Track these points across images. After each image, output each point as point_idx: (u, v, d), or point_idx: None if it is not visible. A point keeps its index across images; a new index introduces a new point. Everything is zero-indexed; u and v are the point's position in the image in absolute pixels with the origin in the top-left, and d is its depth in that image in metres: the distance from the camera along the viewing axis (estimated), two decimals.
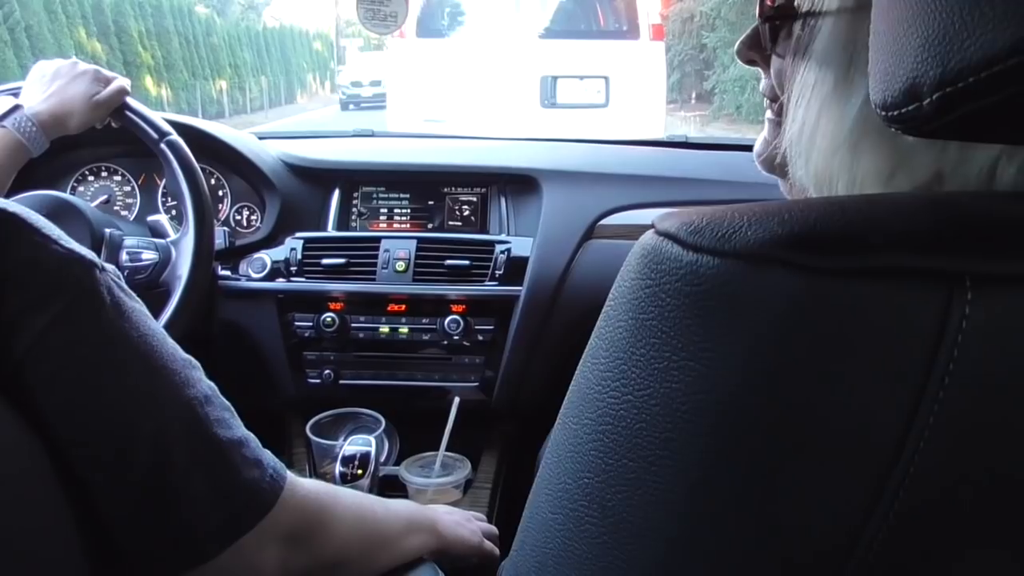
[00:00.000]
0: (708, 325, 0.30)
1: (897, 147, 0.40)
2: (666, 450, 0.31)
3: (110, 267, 0.61)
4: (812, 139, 0.45)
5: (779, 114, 0.50)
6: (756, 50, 0.51)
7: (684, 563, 0.31)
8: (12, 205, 0.57)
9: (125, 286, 0.62)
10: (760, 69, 0.52)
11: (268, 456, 0.68)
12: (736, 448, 0.30)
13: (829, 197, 0.32)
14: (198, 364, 0.66)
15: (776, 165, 0.51)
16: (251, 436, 0.67)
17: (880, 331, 0.28)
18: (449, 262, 1.32)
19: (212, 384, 0.66)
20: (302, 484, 0.71)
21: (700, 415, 0.30)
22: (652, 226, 0.33)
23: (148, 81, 14.59)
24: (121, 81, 1.14)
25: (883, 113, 0.32)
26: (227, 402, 0.66)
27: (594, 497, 0.33)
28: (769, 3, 0.48)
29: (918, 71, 0.29)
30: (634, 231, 1.28)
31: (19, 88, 1.11)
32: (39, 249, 0.56)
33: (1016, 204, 0.32)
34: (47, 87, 1.08)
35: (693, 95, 15.12)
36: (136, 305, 0.62)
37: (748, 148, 1.56)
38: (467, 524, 0.92)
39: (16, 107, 1.04)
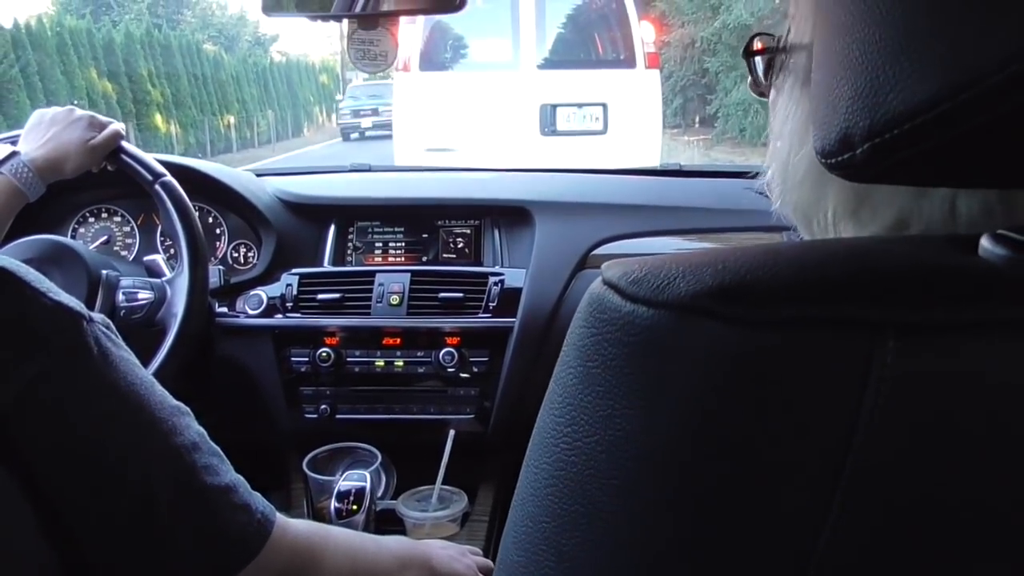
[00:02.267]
0: (645, 374, 0.31)
1: (854, 185, 0.41)
2: (614, 497, 0.31)
3: (99, 317, 0.62)
4: (786, 172, 0.46)
5: None
6: (756, 82, 0.52)
7: None
8: (2, 259, 0.58)
9: (114, 336, 0.63)
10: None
11: (257, 499, 0.68)
12: (677, 495, 0.30)
13: (768, 244, 0.33)
14: (188, 410, 0.67)
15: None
16: (241, 480, 0.67)
17: (803, 381, 0.29)
18: (443, 295, 1.33)
19: (201, 430, 0.67)
20: (293, 525, 0.71)
21: (642, 462, 0.31)
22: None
23: (158, 119, 14.77)
24: (116, 126, 1.17)
25: (822, 160, 0.32)
26: (217, 448, 0.67)
27: (551, 542, 0.33)
28: (758, 46, 0.49)
29: (850, 121, 0.30)
30: None
31: (17, 136, 1.13)
32: (27, 302, 0.57)
33: (946, 251, 0.32)
34: (43, 134, 1.11)
35: (696, 119, 15.20)
36: (124, 355, 0.63)
37: (741, 175, 1.58)
38: (462, 559, 0.92)
39: (13, 154, 1.07)
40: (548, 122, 5.96)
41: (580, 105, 5.95)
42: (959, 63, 0.26)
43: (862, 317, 0.28)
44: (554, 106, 5.95)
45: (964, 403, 0.29)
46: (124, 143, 1.18)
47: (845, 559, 0.30)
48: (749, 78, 0.53)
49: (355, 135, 17.63)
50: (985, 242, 0.31)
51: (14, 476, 0.56)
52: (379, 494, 1.22)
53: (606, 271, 0.33)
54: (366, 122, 17.25)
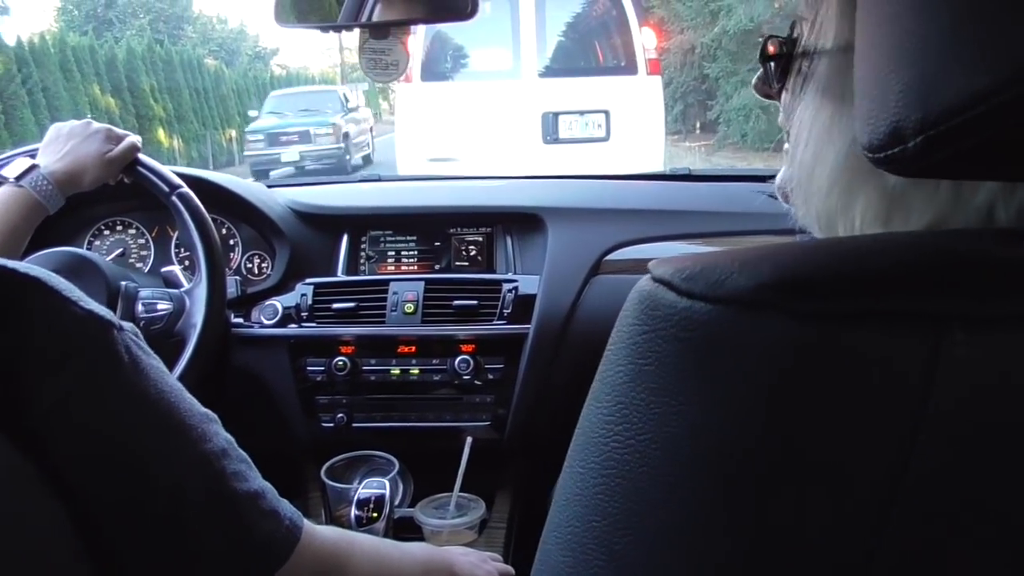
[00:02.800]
0: (703, 371, 0.30)
1: (887, 190, 0.40)
2: (668, 494, 0.31)
3: (128, 325, 0.62)
4: (810, 179, 0.45)
5: None
6: (768, 86, 0.51)
7: None
8: (33, 269, 0.59)
9: (143, 344, 0.63)
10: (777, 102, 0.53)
11: (285, 506, 0.68)
12: (735, 492, 0.30)
13: (824, 239, 0.33)
14: (216, 417, 0.67)
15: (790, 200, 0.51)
16: (268, 487, 0.68)
17: (869, 374, 0.28)
18: (457, 302, 1.34)
19: (229, 437, 0.67)
20: (319, 532, 0.71)
21: (699, 460, 0.30)
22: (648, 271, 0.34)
23: (160, 133, 14.81)
24: (133, 138, 1.18)
25: (869, 155, 0.32)
26: (244, 454, 0.68)
27: (601, 541, 0.33)
28: (772, 49, 0.48)
29: (901, 114, 0.29)
30: (640, 266, 1.28)
31: (36, 150, 1.14)
32: (59, 311, 0.58)
33: (1005, 243, 0.32)
34: (62, 147, 1.11)
35: (697, 125, 15.20)
36: (154, 362, 0.63)
37: (751, 179, 1.58)
38: (483, 565, 0.92)
39: (33, 167, 1.08)
40: (550, 130, 5.96)
41: (582, 113, 5.95)
42: (1015, 54, 0.26)
43: (928, 309, 0.28)
44: (556, 114, 5.95)
45: None
46: (141, 155, 1.19)
47: (907, 558, 0.29)
48: (755, 79, 0.52)
49: (274, 172, 10.86)
50: None
51: (48, 485, 0.57)
52: (397, 502, 1.22)
53: (655, 268, 0.33)
54: (289, 153, 11.25)
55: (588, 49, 6.51)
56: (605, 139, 5.95)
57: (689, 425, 0.30)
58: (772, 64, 0.49)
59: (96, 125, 1.16)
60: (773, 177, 0.52)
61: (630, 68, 6.02)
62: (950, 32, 0.28)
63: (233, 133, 17.86)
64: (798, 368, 0.29)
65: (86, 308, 0.59)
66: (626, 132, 5.90)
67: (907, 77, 0.29)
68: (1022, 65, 0.26)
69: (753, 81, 0.53)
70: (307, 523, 0.70)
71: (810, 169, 0.45)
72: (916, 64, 0.29)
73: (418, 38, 5.93)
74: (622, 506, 0.32)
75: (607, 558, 0.33)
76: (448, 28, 6.16)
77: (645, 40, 6.04)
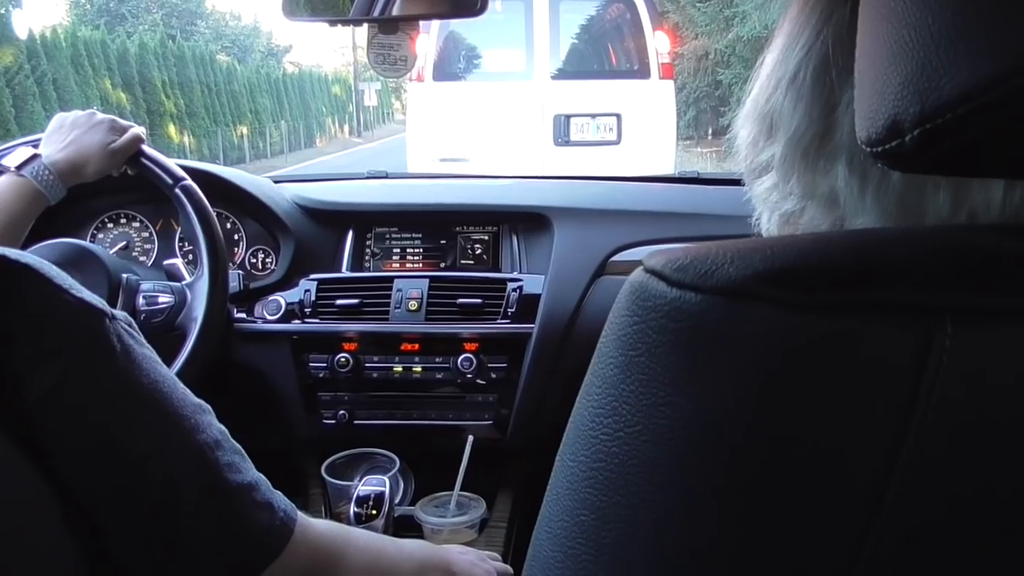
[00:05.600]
0: (692, 361, 0.30)
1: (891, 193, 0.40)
2: (657, 486, 0.31)
3: (121, 315, 0.62)
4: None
5: None
6: None
7: None
8: (26, 256, 0.58)
9: (136, 333, 0.63)
10: None
11: (279, 498, 0.68)
12: (725, 483, 0.30)
13: (817, 233, 0.33)
14: (209, 408, 0.67)
15: None
16: (262, 479, 0.67)
17: (860, 366, 0.28)
18: (461, 301, 1.33)
19: (223, 428, 0.67)
20: (314, 526, 0.71)
21: (688, 451, 0.30)
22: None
23: (171, 129, 14.90)
24: (136, 130, 1.17)
25: (868, 149, 0.32)
26: (238, 445, 0.67)
27: (590, 535, 0.33)
28: None
29: (899, 108, 0.29)
30: None
31: (38, 139, 1.13)
32: (51, 299, 0.57)
33: (1000, 237, 0.32)
34: (65, 137, 1.11)
35: (710, 131, 15.19)
36: (147, 352, 0.63)
37: None
38: (482, 564, 0.91)
39: (34, 156, 1.07)
40: (562, 132, 5.96)
41: (594, 115, 5.96)
42: (1013, 47, 0.26)
43: (919, 301, 0.28)
44: (567, 116, 5.95)
45: (1021, 389, 0.28)
46: (145, 147, 1.19)
47: (898, 548, 0.29)
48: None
49: None
50: None
51: (40, 473, 0.56)
52: (397, 500, 1.21)
53: (648, 260, 0.33)
54: None
55: (601, 52, 6.51)
56: (616, 142, 5.96)
57: (678, 416, 0.30)
58: None
59: (100, 116, 1.15)
60: None
61: (643, 72, 6.03)
62: (950, 26, 0.28)
63: (244, 130, 17.94)
64: (787, 358, 0.29)
65: (78, 296, 0.58)
66: (637, 136, 5.91)
67: (906, 71, 0.29)
68: (1020, 59, 0.26)
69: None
70: (302, 516, 0.69)
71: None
72: (915, 58, 0.29)
73: (431, 38, 5.94)
74: (611, 499, 0.32)
75: (595, 551, 0.32)
76: (461, 29, 6.17)
77: (658, 44, 6.04)
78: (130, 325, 0.62)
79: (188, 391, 0.65)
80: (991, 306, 0.29)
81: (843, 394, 0.28)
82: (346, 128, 26.32)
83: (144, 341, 0.63)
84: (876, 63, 0.31)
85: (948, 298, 0.28)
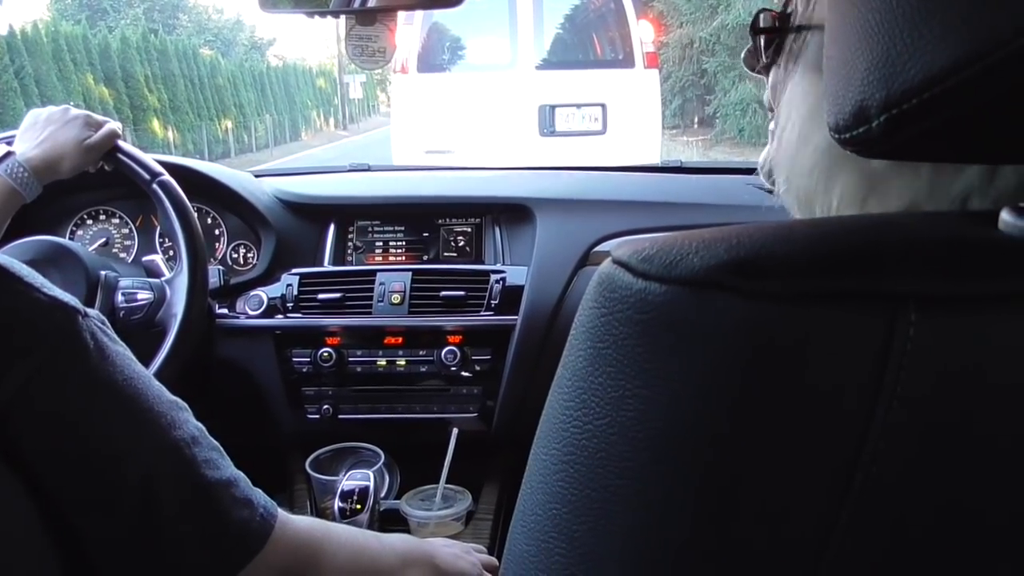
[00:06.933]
0: (657, 352, 0.30)
1: (867, 173, 0.40)
2: (627, 479, 0.31)
3: (93, 312, 0.61)
4: (793, 159, 0.45)
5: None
6: (756, 59, 0.51)
7: None
8: None
9: (110, 331, 0.62)
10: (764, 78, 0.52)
11: (258, 495, 0.67)
12: (692, 474, 0.30)
13: (781, 221, 0.32)
14: (185, 405, 0.66)
15: (772, 179, 0.51)
16: (241, 475, 0.67)
17: (825, 355, 0.28)
18: (444, 293, 1.32)
19: (200, 425, 0.66)
20: (294, 522, 0.70)
21: (655, 442, 0.30)
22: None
23: (155, 124, 14.78)
24: (112, 125, 1.16)
25: (836, 136, 0.32)
26: (216, 442, 0.67)
27: (562, 528, 0.33)
28: (764, 22, 0.47)
29: (865, 94, 0.29)
30: None
31: (12, 136, 1.12)
32: (21, 298, 0.57)
33: (970, 224, 0.32)
34: (39, 133, 1.10)
35: (695, 120, 15.21)
36: (120, 349, 0.62)
37: (743, 172, 1.57)
38: (466, 556, 0.91)
39: (8, 154, 1.06)
40: (547, 123, 5.95)
41: (579, 105, 5.95)
42: (978, 31, 0.26)
43: (882, 289, 0.28)
44: (553, 107, 5.94)
45: (987, 378, 0.28)
46: (121, 142, 1.18)
47: (864, 541, 0.29)
48: (744, 52, 0.52)
49: None
50: (1006, 215, 0.31)
51: (15, 474, 0.56)
52: (383, 494, 1.21)
53: (615, 250, 0.32)
54: None
55: (586, 42, 6.51)
56: (602, 132, 5.95)
57: (645, 408, 0.30)
58: (763, 38, 0.48)
59: (75, 111, 1.14)
60: None
61: (627, 61, 6.03)
62: (915, 11, 0.27)
63: (229, 124, 17.82)
64: (752, 349, 0.29)
65: (49, 294, 0.58)
66: (623, 126, 5.91)
67: (872, 56, 0.29)
68: (983, 43, 0.26)
69: (743, 54, 0.52)
70: (281, 512, 0.69)
71: (794, 149, 0.45)
72: (881, 43, 0.28)
73: (414, 29, 5.91)
74: (581, 492, 0.32)
75: (567, 545, 0.32)
76: (445, 20, 6.14)
77: (643, 33, 6.04)
78: (103, 323, 0.62)
79: (164, 388, 0.65)
80: (957, 294, 0.28)
81: (807, 383, 0.28)
82: (331, 121, 26.17)
83: (118, 339, 0.63)
84: (843, 49, 0.31)
85: (912, 286, 0.28)
